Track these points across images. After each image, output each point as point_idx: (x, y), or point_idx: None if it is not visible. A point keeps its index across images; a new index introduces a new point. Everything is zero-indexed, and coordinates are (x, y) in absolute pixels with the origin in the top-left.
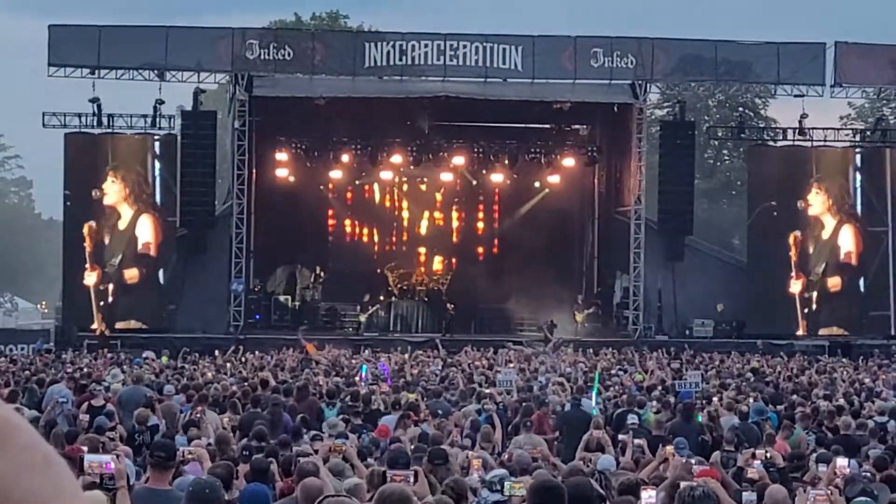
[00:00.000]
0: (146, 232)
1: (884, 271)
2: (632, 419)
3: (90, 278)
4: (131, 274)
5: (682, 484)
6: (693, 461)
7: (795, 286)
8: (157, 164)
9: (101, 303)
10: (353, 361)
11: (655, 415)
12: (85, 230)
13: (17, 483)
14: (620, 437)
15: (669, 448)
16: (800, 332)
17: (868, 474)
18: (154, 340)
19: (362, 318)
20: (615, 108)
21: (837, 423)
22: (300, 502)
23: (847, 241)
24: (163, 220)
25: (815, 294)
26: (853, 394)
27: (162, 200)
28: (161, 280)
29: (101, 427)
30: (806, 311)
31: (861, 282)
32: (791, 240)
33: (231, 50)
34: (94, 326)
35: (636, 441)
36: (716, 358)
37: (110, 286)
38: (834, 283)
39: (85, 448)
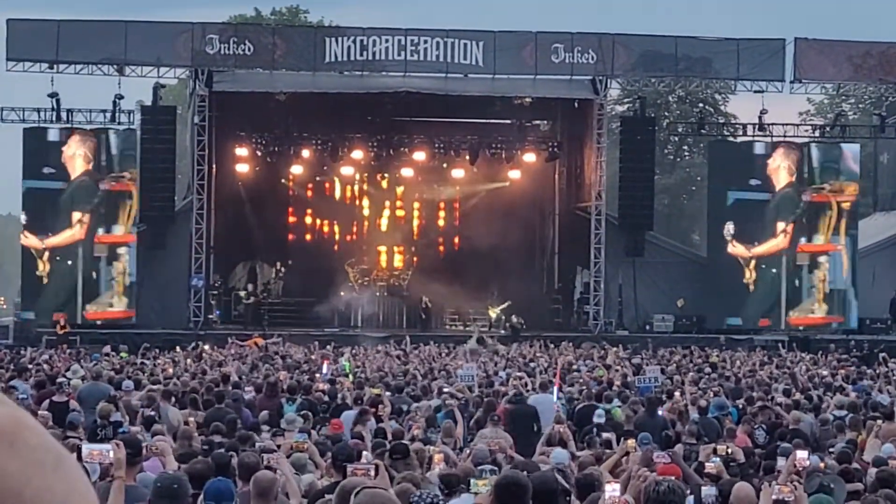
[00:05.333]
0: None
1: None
2: (598, 414)
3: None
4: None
5: (649, 478)
6: (654, 452)
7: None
8: (116, 160)
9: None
10: (314, 357)
11: (619, 409)
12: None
13: (28, 483)
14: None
15: (631, 442)
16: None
17: (829, 469)
18: (114, 336)
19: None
20: (576, 104)
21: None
22: (252, 494)
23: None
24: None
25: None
26: (812, 388)
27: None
28: (118, 274)
29: (73, 423)
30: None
31: (820, 275)
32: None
33: (191, 45)
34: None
35: (604, 435)
36: (676, 353)
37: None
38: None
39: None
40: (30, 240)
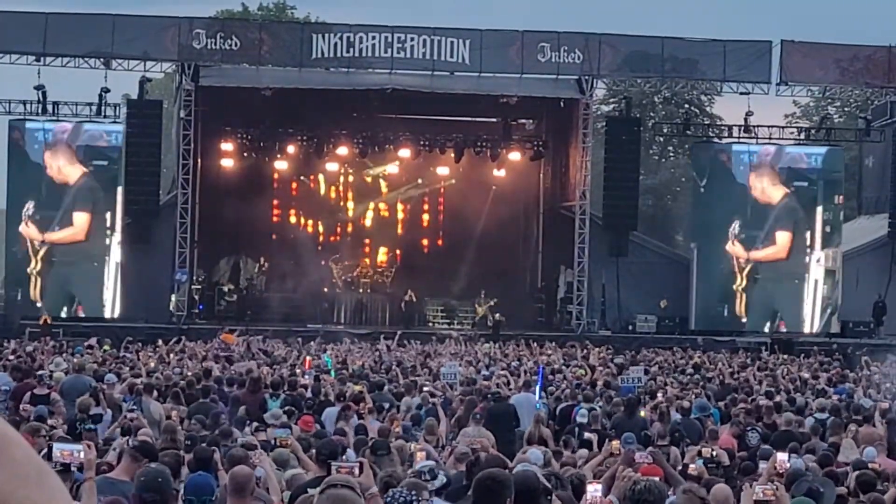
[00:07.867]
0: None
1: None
2: (582, 414)
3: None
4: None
5: (633, 477)
6: (636, 452)
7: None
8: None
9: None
10: (295, 353)
11: (597, 409)
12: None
13: (11, 495)
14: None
15: (616, 443)
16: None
17: (810, 472)
18: (97, 329)
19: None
20: (561, 103)
21: (776, 420)
22: (228, 490)
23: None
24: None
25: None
26: (794, 391)
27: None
28: (101, 267)
29: (41, 416)
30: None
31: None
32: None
33: (178, 39)
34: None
35: (586, 435)
36: (659, 353)
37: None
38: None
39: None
40: (30, 230)
